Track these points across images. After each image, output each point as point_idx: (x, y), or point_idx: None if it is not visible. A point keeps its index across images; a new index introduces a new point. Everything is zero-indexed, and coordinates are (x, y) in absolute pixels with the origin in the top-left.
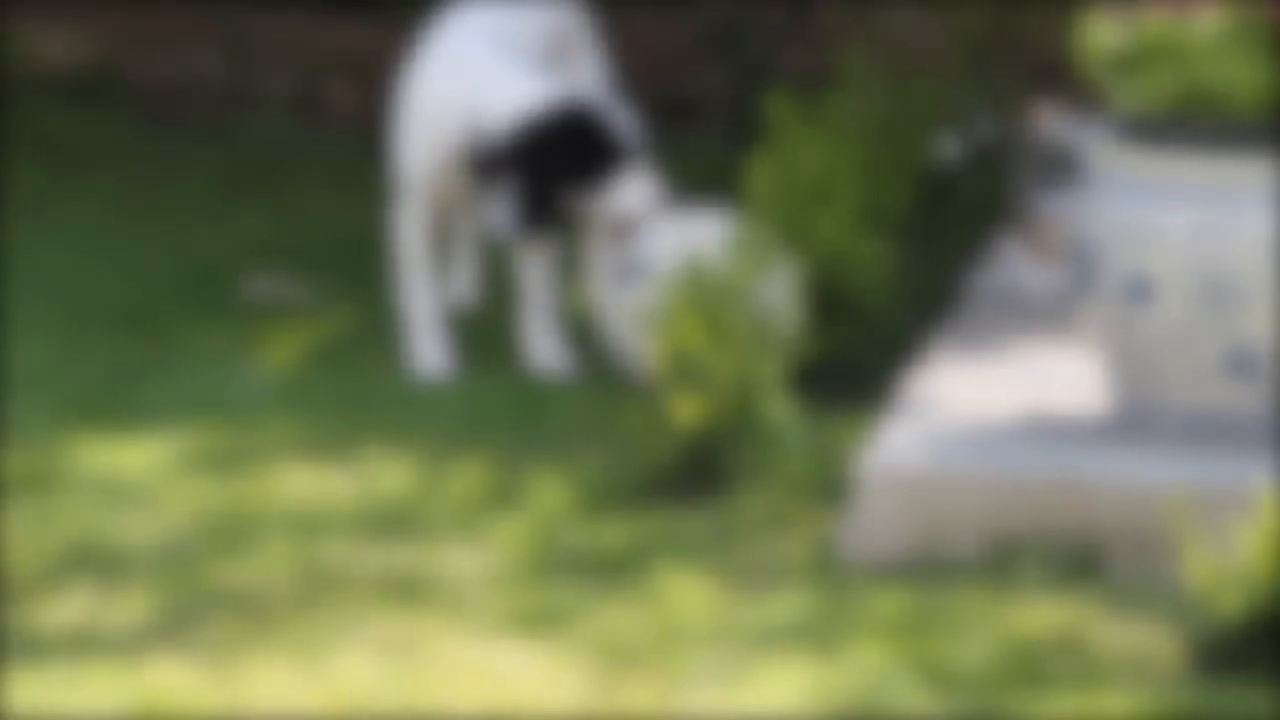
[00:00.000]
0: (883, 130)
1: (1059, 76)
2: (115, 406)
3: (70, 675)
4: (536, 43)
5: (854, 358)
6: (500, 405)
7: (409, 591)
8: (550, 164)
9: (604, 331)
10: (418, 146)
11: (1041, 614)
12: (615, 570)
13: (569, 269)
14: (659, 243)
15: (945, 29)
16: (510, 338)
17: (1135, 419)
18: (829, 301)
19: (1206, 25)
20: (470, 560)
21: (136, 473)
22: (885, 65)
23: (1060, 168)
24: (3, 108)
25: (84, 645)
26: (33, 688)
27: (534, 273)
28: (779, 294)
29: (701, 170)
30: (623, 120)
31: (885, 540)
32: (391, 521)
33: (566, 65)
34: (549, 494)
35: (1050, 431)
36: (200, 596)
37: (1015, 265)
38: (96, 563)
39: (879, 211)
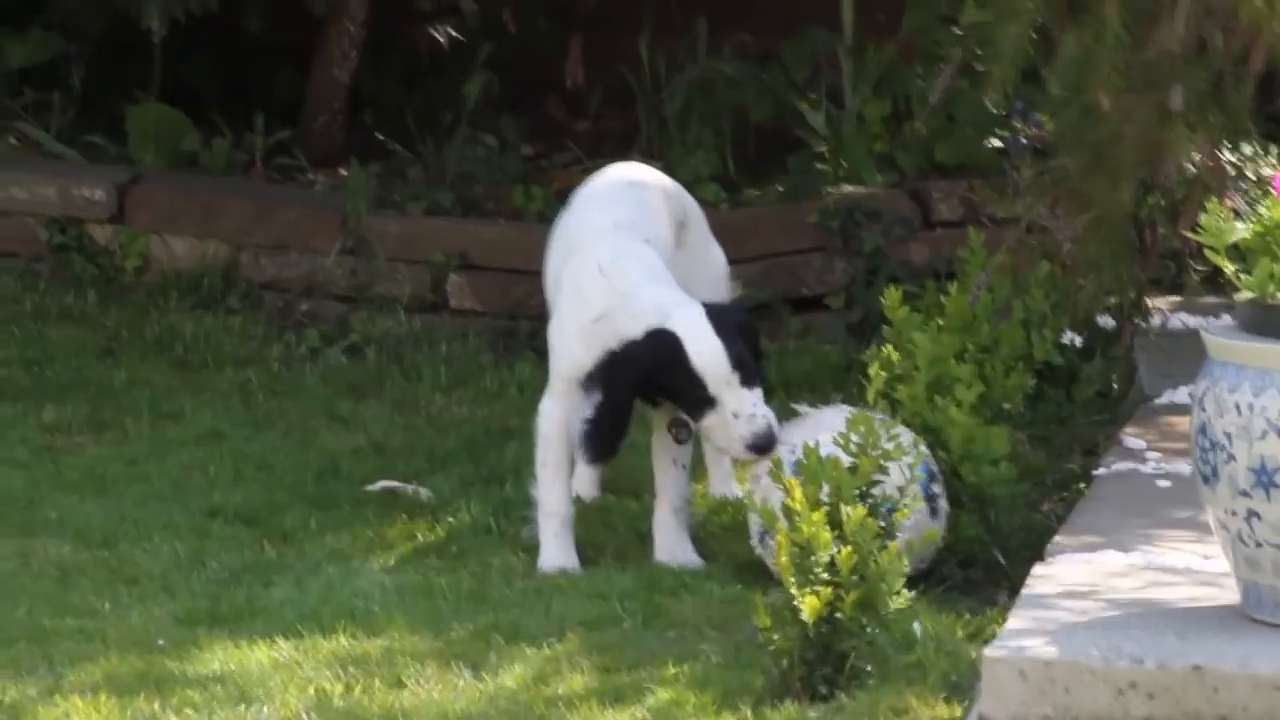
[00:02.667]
0: (1001, 319)
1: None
2: (240, 607)
3: None
4: (666, 229)
5: (980, 548)
6: (627, 599)
7: None
8: (634, 388)
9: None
10: (570, 340)
11: None
12: None
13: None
14: (788, 434)
15: (1079, 221)
16: (644, 531)
17: (1264, 608)
18: (955, 492)
19: None
20: None
21: (262, 674)
22: (1008, 256)
23: (1182, 357)
24: (131, 310)
25: None
26: None
27: (667, 467)
28: (903, 485)
29: (825, 361)
30: (730, 333)
31: None
32: None
33: (688, 248)
34: (669, 693)
35: (1176, 622)
36: None
37: (1140, 455)
38: None
39: (998, 402)
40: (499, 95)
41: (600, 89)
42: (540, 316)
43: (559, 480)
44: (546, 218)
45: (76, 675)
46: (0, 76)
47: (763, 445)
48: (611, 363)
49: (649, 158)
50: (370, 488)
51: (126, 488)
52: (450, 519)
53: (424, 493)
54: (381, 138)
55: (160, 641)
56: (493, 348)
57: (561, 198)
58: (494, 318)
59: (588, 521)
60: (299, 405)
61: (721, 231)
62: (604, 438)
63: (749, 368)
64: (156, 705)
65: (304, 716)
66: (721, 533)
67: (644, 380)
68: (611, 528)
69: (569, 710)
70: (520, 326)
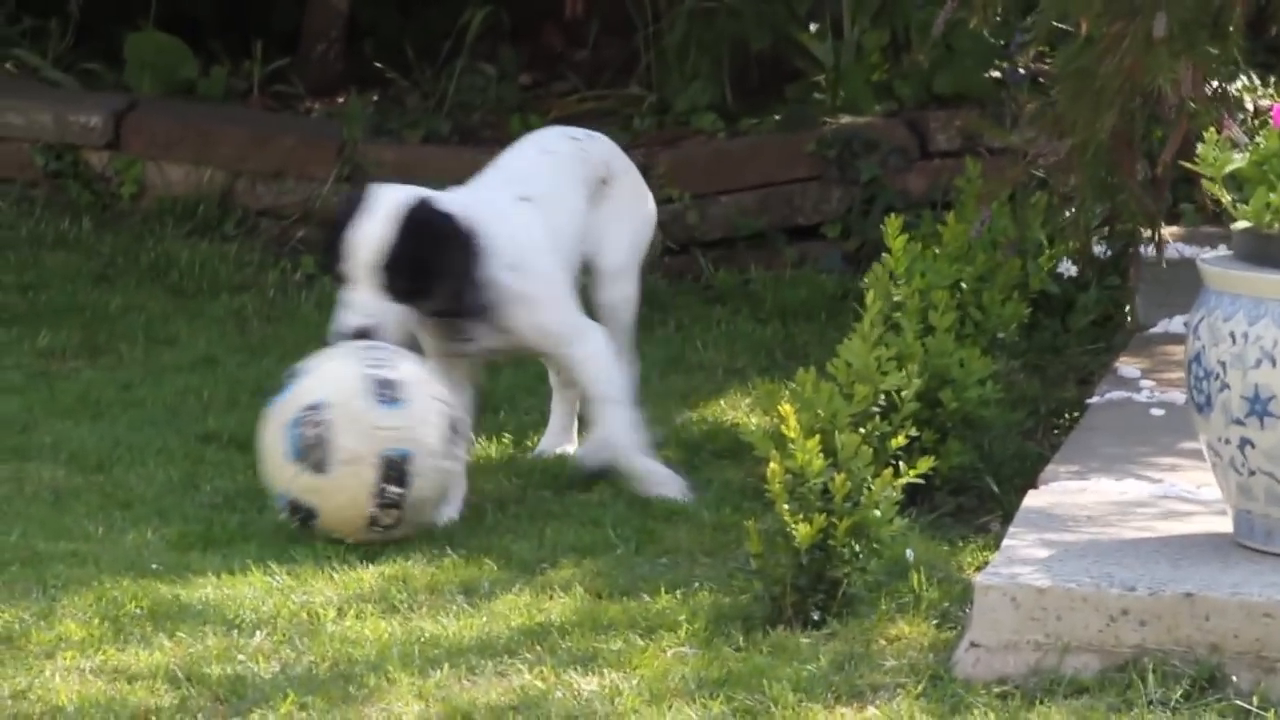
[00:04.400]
0: (997, 249)
1: (1179, 194)
2: (233, 532)
3: None
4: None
5: (971, 476)
6: (620, 526)
7: None
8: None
9: None
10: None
11: None
12: (730, 693)
13: None
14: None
15: (1069, 146)
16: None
17: (1256, 536)
18: (939, 418)
19: None
20: (597, 687)
21: (254, 598)
22: (1004, 183)
23: (1178, 286)
24: (127, 236)
25: None
26: None
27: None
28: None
29: (821, 290)
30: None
31: (1003, 658)
32: (514, 650)
33: (611, 200)
34: (661, 619)
35: (1169, 550)
36: None
37: (1134, 384)
38: (219, 691)
39: (992, 331)
40: (498, 24)
41: (599, 19)
42: None
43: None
44: None
45: (70, 599)
46: None
47: (346, 334)
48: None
49: (646, 88)
50: None
51: (121, 412)
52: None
53: None
54: (380, 66)
55: (153, 565)
56: None
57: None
58: None
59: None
60: (294, 331)
61: (718, 160)
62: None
63: (393, 274)
64: (149, 628)
65: (296, 641)
66: (714, 459)
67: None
68: None
69: (561, 636)
70: None
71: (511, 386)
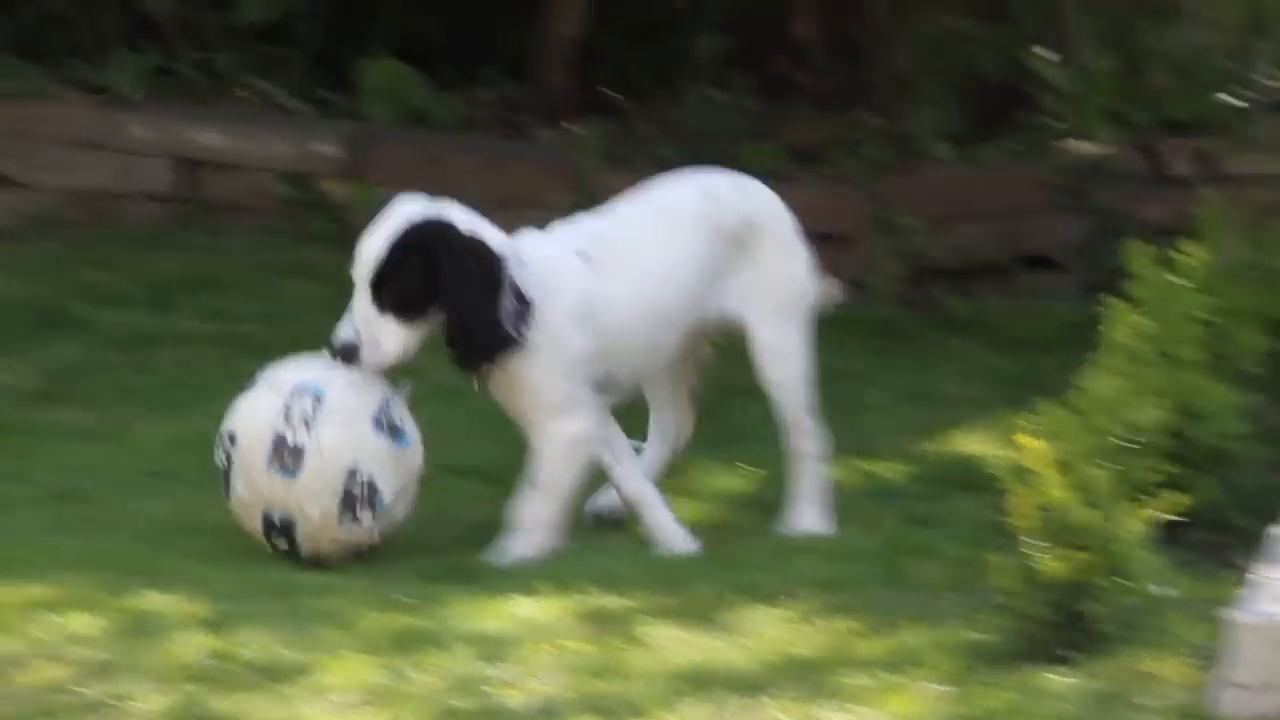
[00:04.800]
0: (1240, 279)
1: None
2: (482, 564)
3: None
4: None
5: (1219, 511)
6: (865, 561)
7: None
8: None
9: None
10: None
11: None
12: None
13: None
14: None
15: None
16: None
17: None
18: (1186, 452)
19: None
20: None
21: (504, 631)
22: (1245, 210)
23: None
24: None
25: None
26: None
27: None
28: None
29: (1056, 319)
30: None
31: (1261, 697)
32: (761, 682)
33: (755, 260)
34: (907, 654)
35: None
36: None
37: None
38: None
39: (1232, 361)
40: (727, 50)
41: (828, 44)
42: None
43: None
44: (775, 174)
45: (322, 630)
46: (236, 33)
47: (334, 349)
48: None
49: (876, 113)
50: None
51: None
52: (690, 478)
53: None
54: (611, 93)
55: (403, 598)
56: None
57: (790, 154)
58: None
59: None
60: None
61: (952, 188)
62: None
63: (386, 290)
64: (401, 661)
65: (546, 674)
66: (954, 492)
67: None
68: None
69: (809, 670)
70: None
71: (755, 419)
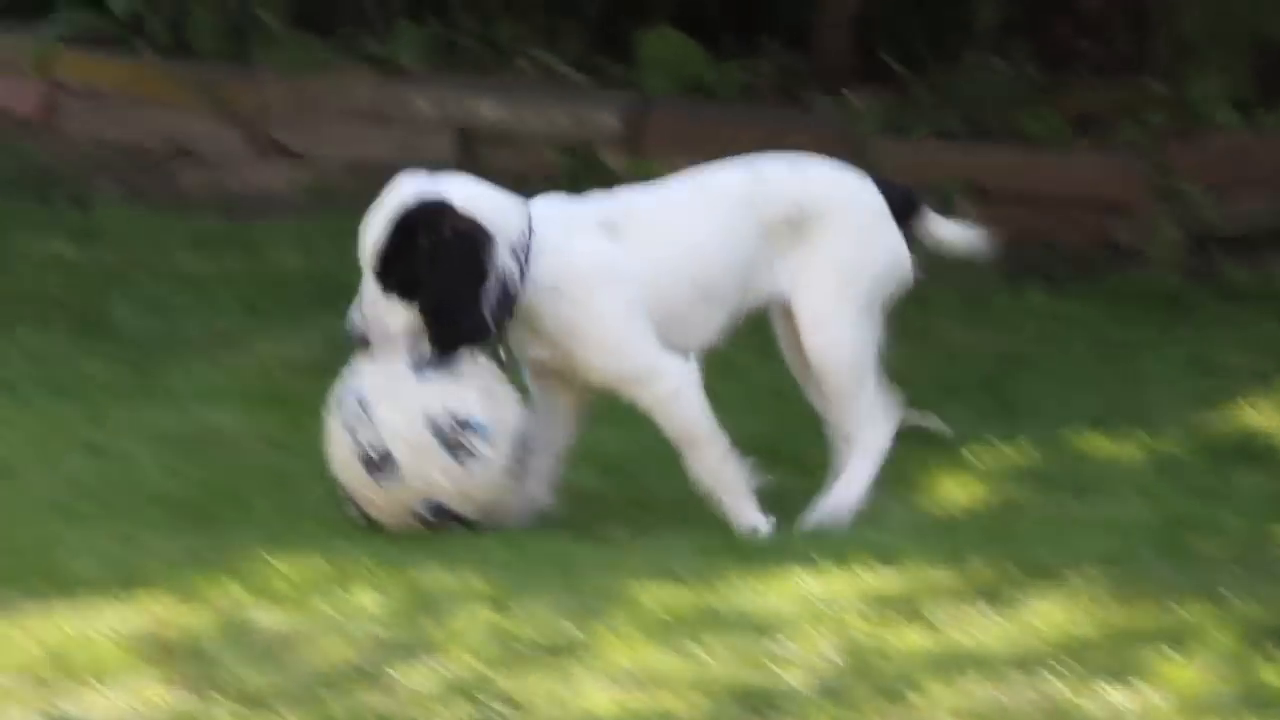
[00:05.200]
0: None
1: None
2: (760, 539)
3: None
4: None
5: None
6: (1145, 534)
7: None
8: None
9: None
10: None
11: None
12: (1275, 714)
13: None
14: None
15: None
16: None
17: None
18: None
19: None
20: (1128, 700)
21: (782, 607)
22: None
23: None
24: None
25: None
26: None
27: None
28: None
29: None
30: None
31: None
32: (1043, 659)
33: (809, 242)
34: (1191, 628)
35: None
36: None
37: None
38: (752, 700)
39: None
40: (1009, 17)
41: (1113, 11)
42: (1048, 243)
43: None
44: (1057, 143)
45: (601, 604)
46: (516, 4)
47: (346, 335)
48: None
49: (1160, 80)
50: None
51: (646, 420)
52: (966, 451)
53: (939, 424)
54: (889, 61)
55: (679, 571)
56: (1002, 274)
57: (1071, 122)
58: (1003, 244)
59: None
60: None
61: (1238, 155)
62: None
63: (387, 271)
64: (679, 635)
65: (826, 651)
66: (1238, 464)
67: None
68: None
69: (1090, 646)
70: (1031, 253)
71: (1033, 391)
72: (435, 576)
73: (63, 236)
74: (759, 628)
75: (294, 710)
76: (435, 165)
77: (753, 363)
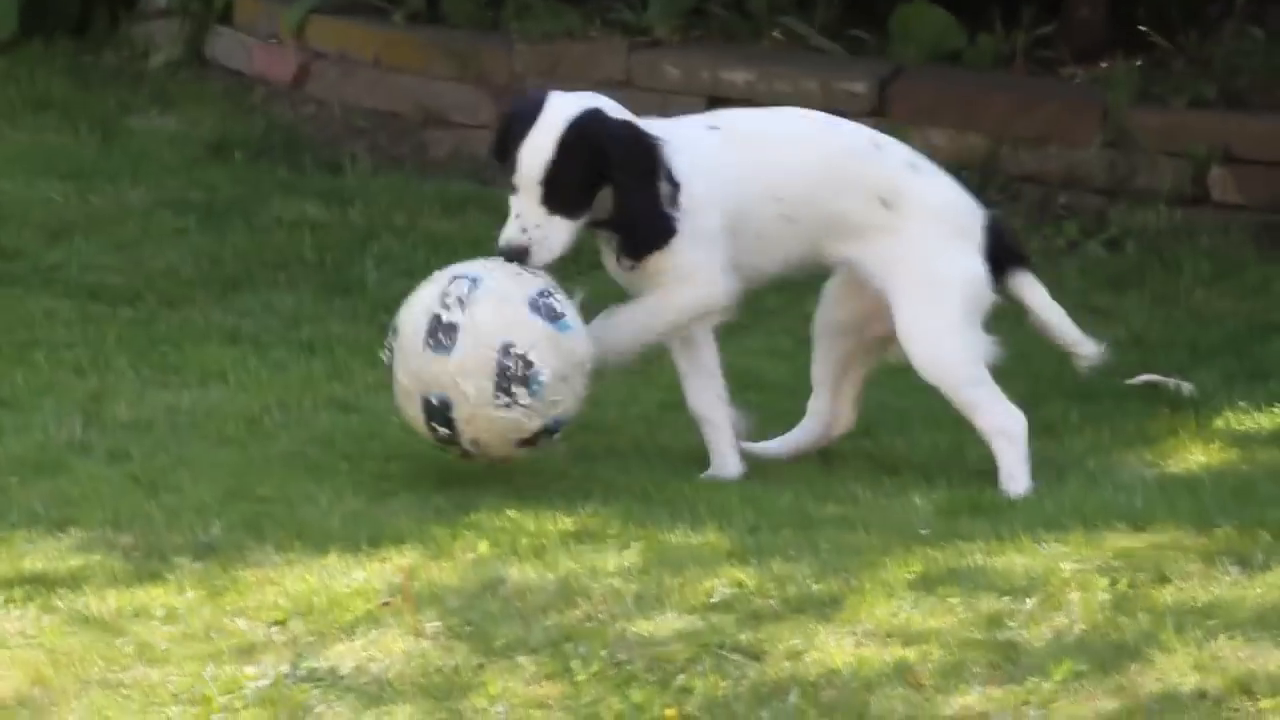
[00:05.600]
0: None
1: None
2: (1000, 499)
3: None
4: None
5: None
6: None
7: None
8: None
9: None
10: None
11: None
12: None
13: None
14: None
15: None
16: None
17: None
18: None
19: None
20: None
21: (1023, 567)
22: None
23: None
24: None
25: None
26: None
27: None
28: None
29: None
30: None
31: None
32: None
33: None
34: None
35: None
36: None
37: None
38: (993, 657)
39: None
40: None
41: None
42: None
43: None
44: None
45: (840, 562)
46: None
47: (503, 252)
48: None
49: None
50: (1131, 381)
51: (886, 378)
52: (1213, 415)
53: (1186, 387)
54: (1144, 30)
55: (922, 530)
56: (1256, 242)
57: None
58: (1258, 212)
59: None
60: (1056, 298)
61: None
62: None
63: (561, 188)
64: (925, 597)
65: (1068, 609)
66: None
67: (500, 129)
68: None
69: None
70: None
71: None
72: (678, 534)
73: (314, 199)
74: (1001, 587)
75: (536, 662)
76: None
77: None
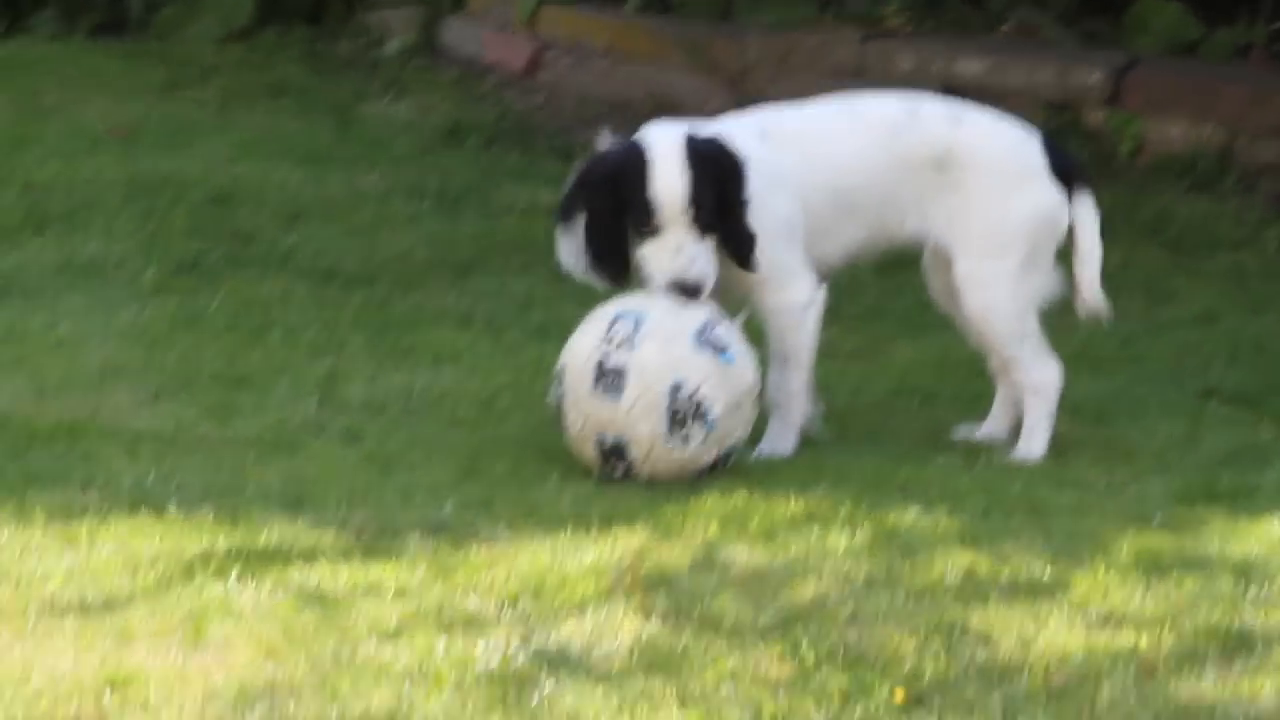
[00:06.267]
0: None
1: None
2: (1236, 487)
3: None
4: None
5: None
6: None
7: None
8: (598, 196)
9: None
10: None
11: None
12: None
13: None
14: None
15: None
16: None
17: None
18: None
19: None
20: None
21: (1262, 554)
22: None
23: None
24: (1124, 192)
25: None
26: None
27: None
28: None
29: None
30: None
31: None
32: None
33: (956, 190)
34: None
35: None
36: None
37: None
38: (1230, 643)
39: None
40: None
41: None
42: None
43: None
44: None
45: (1073, 547)
46: None
47: (682, 286)
48: (583, 173)
49: None
50: None
51: (1120, 367)
52: None
53: None
54: None
55: (1154, 518)
56: None
57: None
58: None
59: None
60: None
61: None
62: (603, 251)
63: (705, 210)
64: (1156, 581)
65: None
66: None
67: (605, 186)
68: None
69: None
70: None
71: None
72: (909, 517)
73: (546, 186)
74: (1235, 572)
75: (765, 643)
76: None
77: (1237, 317)
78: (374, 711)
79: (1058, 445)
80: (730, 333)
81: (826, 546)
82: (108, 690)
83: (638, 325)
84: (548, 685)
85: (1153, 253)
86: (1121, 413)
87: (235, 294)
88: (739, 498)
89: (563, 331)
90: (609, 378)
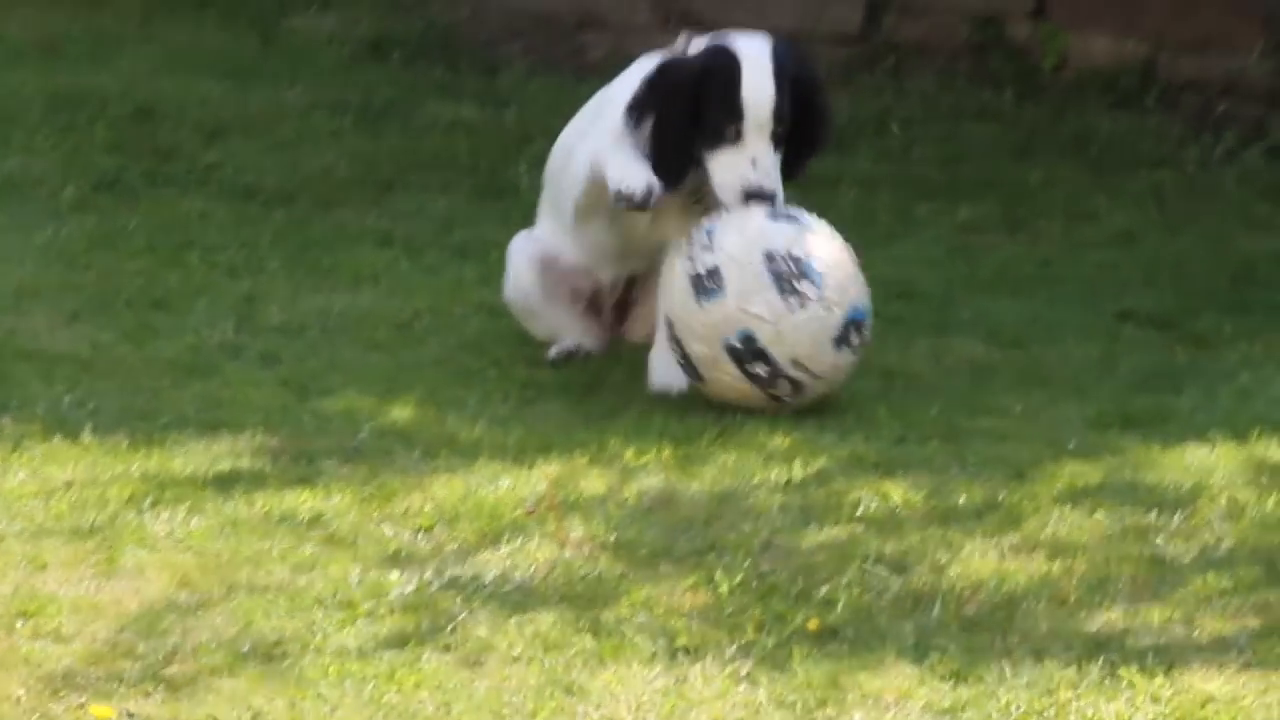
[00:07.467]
0: None
1: None
2: (1150, 412)
3: None
4: None
5: None
6: None
7: None
8: (684, 98)
9: None
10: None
11: None
12: None
13: None
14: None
15: None
16: None
17: None
18: None
19: None
20: None
21: (1173, 479)
22: None
23: None
24: (1046, 108)
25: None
26: None
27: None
28: None
29: None
30: None
31: None
32: None
33: None
34: None
35: None
36: None
37: None
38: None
39: None
40: None
41: None
42: None
43: None
44: None
45: (987, 473)
46: None
47: (758, 196)
48: (662, 73)
49: None
50: None
51: (1039, 288)
52: None
53: None
54: None
55: (1070, 444)
56: None
57: None
58: None
59: None
60: (1213, 208)
61: None
62: (668, 154)
63: (786, 123)
64: (1070, 510)
65: (1215, 525)
66: None
67: (694, 88)
68: None
69: None
70: None
71: None
72: (828, 449)
73: (470, 102)
74: (1149, 501)
75: (680, 572)
76: (841, 36)
77: (1155, 237)
78: (287, 640)
79: (975, 370)
80: (796, 209)
81: (742, 475)
82: (19, 619)
83: (710, 233)
84: (462, 615)
85: (1075, 171)
86: (1038, 336)
87: (155, 212)
88: (655, 425)
89: (484, 252)
90: (707, 280)
